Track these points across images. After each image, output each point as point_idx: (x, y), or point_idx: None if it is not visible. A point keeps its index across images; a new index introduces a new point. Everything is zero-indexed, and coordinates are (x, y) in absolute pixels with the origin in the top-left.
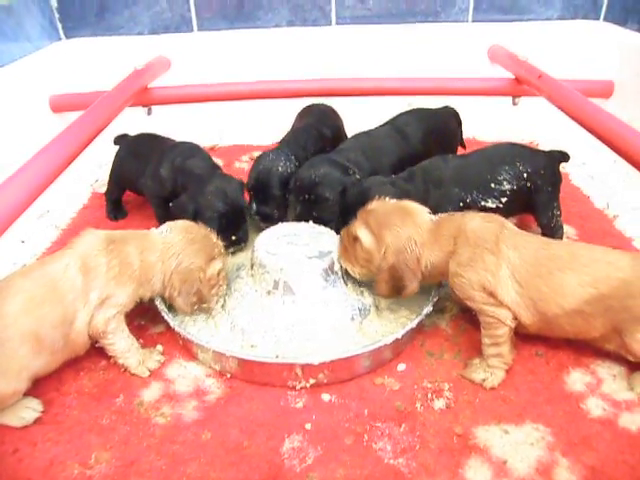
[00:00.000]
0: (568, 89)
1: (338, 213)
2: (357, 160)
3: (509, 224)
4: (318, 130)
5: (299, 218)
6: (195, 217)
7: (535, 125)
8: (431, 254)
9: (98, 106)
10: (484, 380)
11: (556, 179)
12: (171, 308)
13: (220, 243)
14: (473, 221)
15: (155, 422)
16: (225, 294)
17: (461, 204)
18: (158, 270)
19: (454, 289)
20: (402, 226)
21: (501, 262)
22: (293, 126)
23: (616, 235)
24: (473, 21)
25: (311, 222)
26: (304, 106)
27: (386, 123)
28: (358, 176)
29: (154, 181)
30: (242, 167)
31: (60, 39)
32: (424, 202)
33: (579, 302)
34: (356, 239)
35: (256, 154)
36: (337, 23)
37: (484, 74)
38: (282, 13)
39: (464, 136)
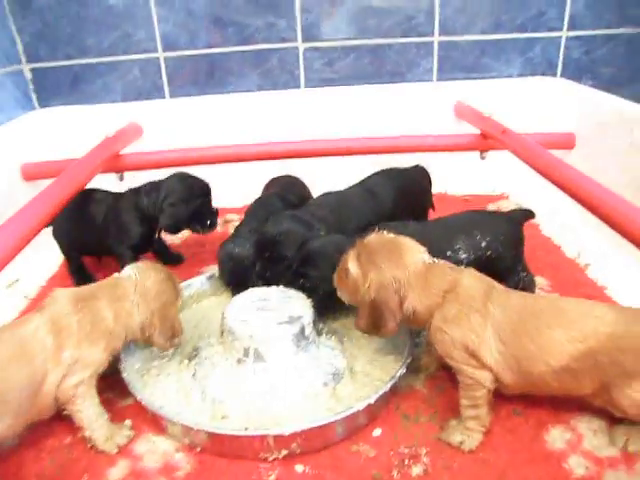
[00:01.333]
0: (531, 143)
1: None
2: (324, 216)
3: (498, 284)
4: (282, 198)
5: (258, 275)
6: (172, 218)
7: (504, 177)
8: (416, 299)
9: (69, 173)
10: (461, 443)
11: (518, 242)
12: (136, 377)
13: (175, 278)
14: (467, 279)
15: None
16: (196, 362)
17: None
18: (136, 314)
19: (435, 344)
20: (388, 263)
21: (487, 322)
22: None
23: (589, 284)
24: (438, 80)
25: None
26: (269, 179)
27: (357, 184)
28: (323, 233)
29: (121, 232)
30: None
31: (34, 109)
32: None
33: (567, 359)
34: (347, 269)
35: (229, 217)
36: (306, 86)
37: (451, 130)
38: (252, 78)
39: (436, 192)
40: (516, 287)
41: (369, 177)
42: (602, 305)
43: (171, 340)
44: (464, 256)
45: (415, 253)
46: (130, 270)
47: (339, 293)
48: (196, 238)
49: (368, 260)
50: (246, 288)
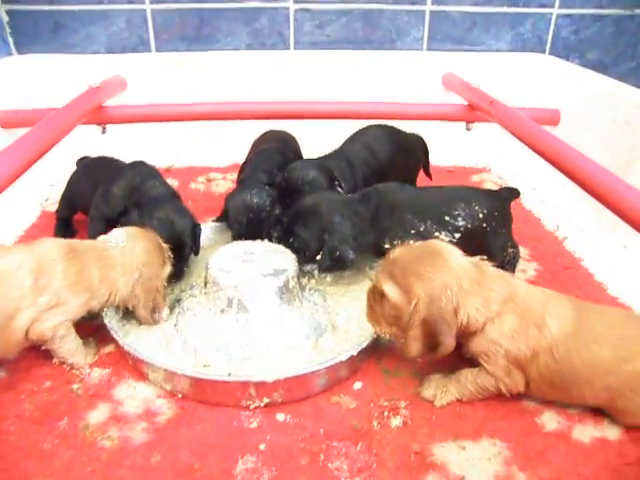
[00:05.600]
0: (519, 115)
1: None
2: (342, 170)
3: (550, 291)
4: (281, 152)
5: (277, 219)
6: None
7: (488, 151)
8: (472, 306)
9: (48, 122)
10: (434, 397)
11: (509, 220)
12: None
13: (166, 246)
14: (524, 287)
15: (101, 445)
16: (178, 313)
17: (413, 231)
18: (121, 285)
19: (479, 355)
20: (434, 271)
21: (542, 336)
22: (250, 152)
23: (567, 255)
24: (428, 50)
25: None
26: (261, 131)
27: (358, 137)
28: (341, 189)
29: (103, 199)
30: (198, 188)
31: (11, 54)
32: (374, 225)
33: (611, 379)
34: (382, 295)
35: (212, 175)
36: (295, 48)
37: (438, 100)
38: (241, 36)
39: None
40: (504, 262)
41: (367, 130)
42: None
43: (153, 314)
44: (462, 223)
45: (456, 255)
46: (119, 235)
47: (376, 329)
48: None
49: (406, 274)
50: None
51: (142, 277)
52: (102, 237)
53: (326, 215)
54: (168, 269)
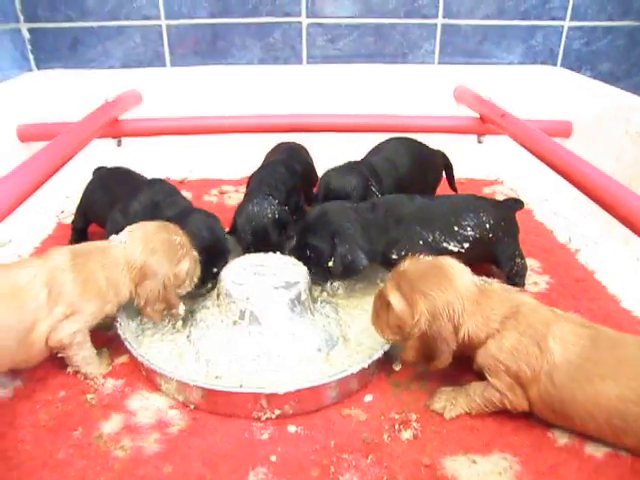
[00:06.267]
0: (530, 127)
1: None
2: (373, 177)
3: (562, 313)
4: (287, 165)
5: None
6: None
7: (500, 163)
8: (473, 325)
9: (66, 136)
10: (444, 409)
11: (515, 229)
12: (135, 334)
13: (185, 239)
14: (528, 304)
15: (114, 455)
16: (191, 324)
17: (421, 242)
18: (123, 285)
19: (484, 366)
20: (438, 291)
21: (544, 358)
22: (262, 165)
23: (579, 268)
24: (439, 63)
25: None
26: (274, 144)
27: (379, 150)
28: (374, 189)
29: (122, 214)
30: (211, 200)
31: (31, 70)
32: (382, 235)
33: (615, 417)
34: (388, 304)
35: (225, 188)
36: (308, 62)
37: (450, 113)
38: (254, 51)
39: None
40: (510, 272)
41: (389, 143)
42: None
43: (163, 312)
44: (471, 233)
45: (464, 275)
46: (124, 235)
47: (379, 334)
48: None
49: (413, 289)
50: (267, 249)
51: (144, 278)
52: (112, 236)
53: (335, 221)
54: (185, 266)
